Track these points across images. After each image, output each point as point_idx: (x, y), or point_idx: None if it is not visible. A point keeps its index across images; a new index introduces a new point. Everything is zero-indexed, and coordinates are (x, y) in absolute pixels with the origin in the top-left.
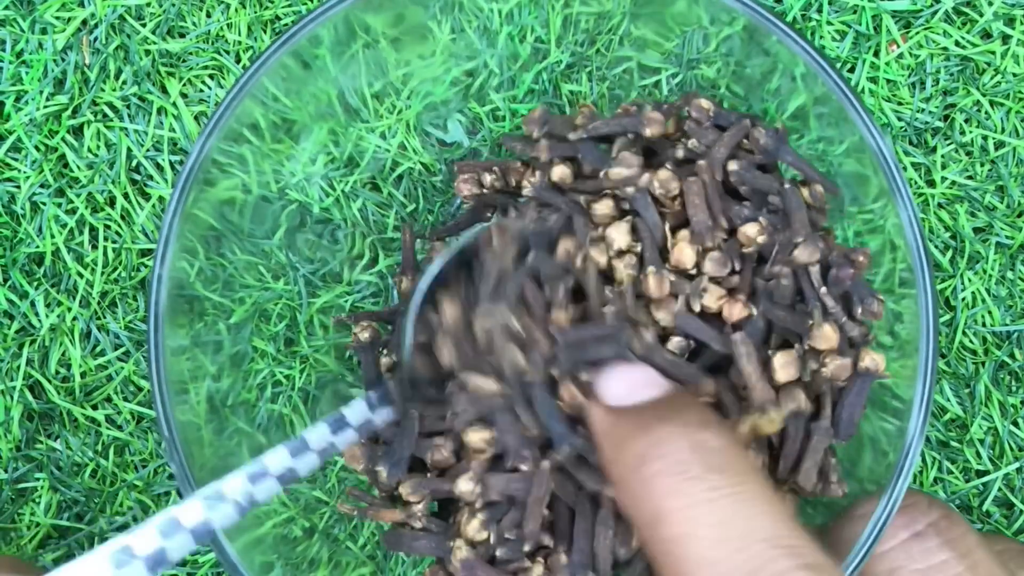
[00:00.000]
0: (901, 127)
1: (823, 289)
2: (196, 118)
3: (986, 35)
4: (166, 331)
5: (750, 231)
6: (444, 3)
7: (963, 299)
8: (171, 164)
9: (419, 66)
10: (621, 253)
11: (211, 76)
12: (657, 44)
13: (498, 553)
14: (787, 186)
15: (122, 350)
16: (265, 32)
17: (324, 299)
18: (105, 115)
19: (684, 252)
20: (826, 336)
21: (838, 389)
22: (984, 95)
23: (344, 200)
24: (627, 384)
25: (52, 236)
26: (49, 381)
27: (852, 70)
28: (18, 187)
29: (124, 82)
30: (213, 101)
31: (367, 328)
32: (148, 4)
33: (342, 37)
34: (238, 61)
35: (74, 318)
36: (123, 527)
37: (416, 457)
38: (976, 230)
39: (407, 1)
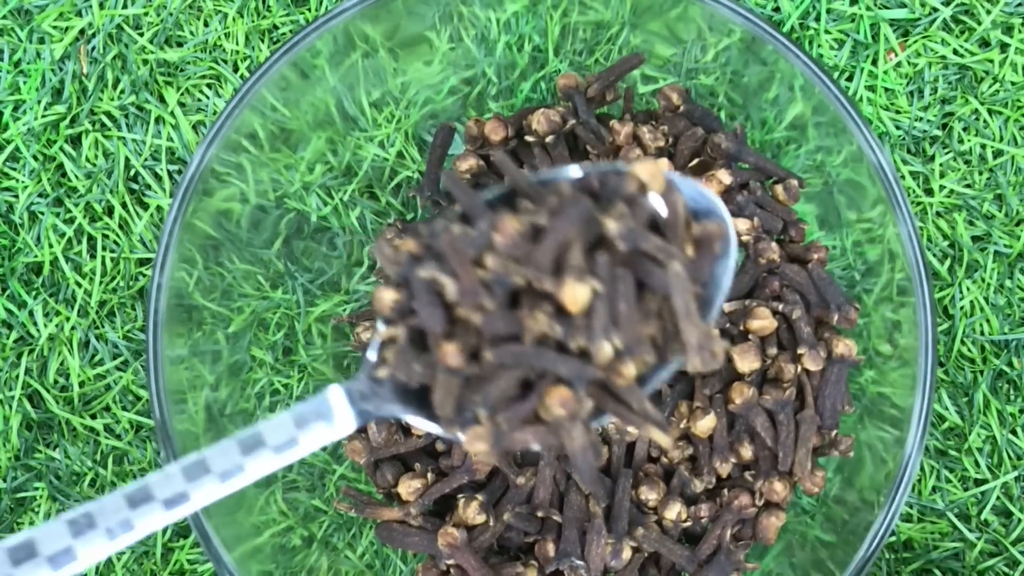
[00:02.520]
0: (899, 136)
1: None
2: (194, 127)
3: (984, 43)
4: (165, 340)
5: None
6: (443, 13)
7: (961, 308)
8: (169, 173)
9: (417, 75)
10: None
11: (209, 85)
12: (656, 53)
13: (508, 525)
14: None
15: (120, 359)
16: (263, 41)
17: (322, 308)
18: (103, 124)
19: None
20: (759, 315)
21: (818, 381)
22: (982, 103)
23: (342, 208)
24: None
25: (50, 246)
26: (48, 391)
27: (850, 79)
28: (16, 197)
29: (122, 91)
30: (211, 110)
31: (369, 328)
32: (146, 13)
33: (341, 47)
34: (236, 70)
35: (72, 327)
36: None
37: (411, 457)
38: (974, 239)
39: (405, 11)
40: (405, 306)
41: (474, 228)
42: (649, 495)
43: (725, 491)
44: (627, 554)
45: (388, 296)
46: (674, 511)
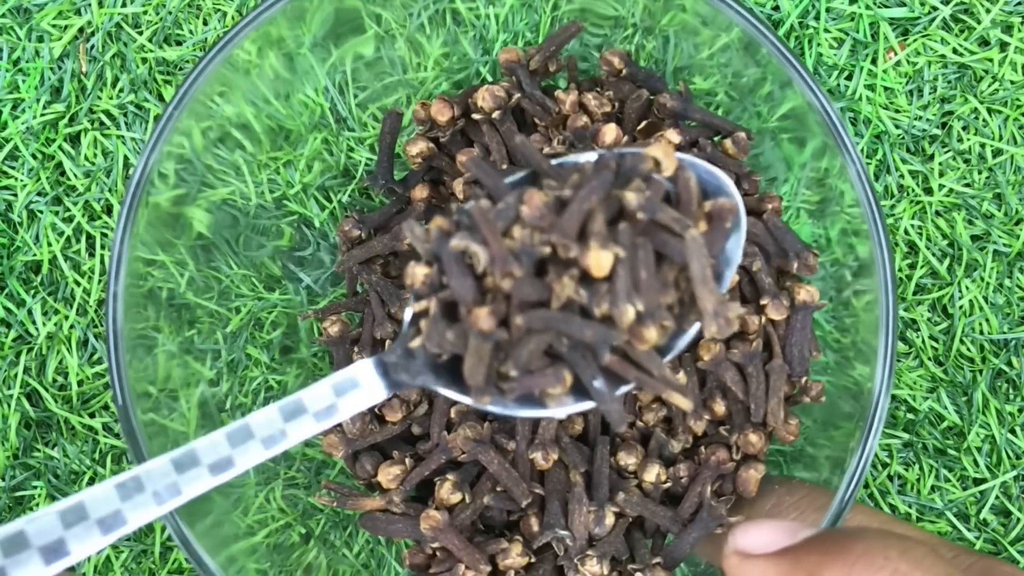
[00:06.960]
0: (898, 135)
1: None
2: None
3: (984, 42)
4: (128, 353)
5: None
6: (434, 11)
7: (961, 307)
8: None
9: (409, 75)
10: None
11: None
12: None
13: (487, 508)
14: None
15: None
16: None
17: (323, 304)
18: (102, 123)
19: None
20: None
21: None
22: (982, 102)
23: (340, 210)
24: (771, 535)
25: (49, 244)
26: (46, 389)
27: (849, 78)
28: (15, 195)
29: (121, 90)
30: None
31: (336, 322)
32: (145, 12)
33: (319, 40)
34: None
35: (71, 326)
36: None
37: (389, 445)
38: (974, 238)
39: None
40: (436, 281)
41: (501, 203)
42: (628, 460)
43: (702, 449)
44: (610, 520)
45: (420, 271)
46: (653, 473)
